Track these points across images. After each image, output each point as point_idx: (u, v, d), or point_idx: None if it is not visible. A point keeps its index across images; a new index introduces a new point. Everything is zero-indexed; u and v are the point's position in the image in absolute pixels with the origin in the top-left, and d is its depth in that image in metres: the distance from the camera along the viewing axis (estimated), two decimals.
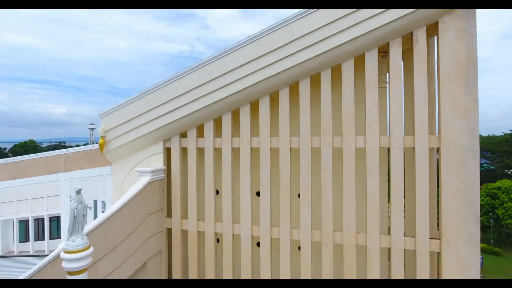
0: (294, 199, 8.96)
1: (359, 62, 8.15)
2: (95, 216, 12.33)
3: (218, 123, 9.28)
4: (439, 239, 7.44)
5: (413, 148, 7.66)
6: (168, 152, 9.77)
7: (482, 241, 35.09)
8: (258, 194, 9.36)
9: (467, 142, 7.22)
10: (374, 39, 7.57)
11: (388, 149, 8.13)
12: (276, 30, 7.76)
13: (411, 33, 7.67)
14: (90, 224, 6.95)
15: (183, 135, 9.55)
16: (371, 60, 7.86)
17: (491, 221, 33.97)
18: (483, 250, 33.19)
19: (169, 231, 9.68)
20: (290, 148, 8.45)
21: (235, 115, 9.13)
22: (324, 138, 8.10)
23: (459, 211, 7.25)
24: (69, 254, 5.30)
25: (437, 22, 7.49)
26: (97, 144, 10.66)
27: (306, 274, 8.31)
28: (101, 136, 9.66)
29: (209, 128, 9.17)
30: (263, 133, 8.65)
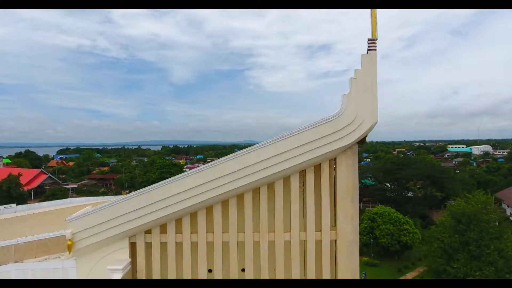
0: (240, 274, 12.08)
1: (286, 180, 12.04)
2: None
3: (179, 222, 11.74)
4: None
5: (320, 240, 11.86)
6: (132, 245, 11.64)
7: (364, 254, 43.54)
8: (210, 270, 12.07)
9: (352, 237, 11.60)
10: (297, 169, 11.57)
11: (305, 241, 12.14)
12: (230, 160, 11.16)
13: (320, 164, 11.92)
14: None
15: (148, 232, 11.66)
16: (294, 180, 11.79)
17: (371, 239, 42.72)
18: (365, 263, 41.38)
19: None
20: (238, 241, 11.84)
21: (194, 216, 11.85)
22: (262, 234, 11.76)
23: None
24: None
25: (335, 158, 11.88)
26: (51, 233, 11.72)
27: None
28: (69, 239, 10.92)
29: (171, 228, 11.62)
30: (216, 230, 11.81)
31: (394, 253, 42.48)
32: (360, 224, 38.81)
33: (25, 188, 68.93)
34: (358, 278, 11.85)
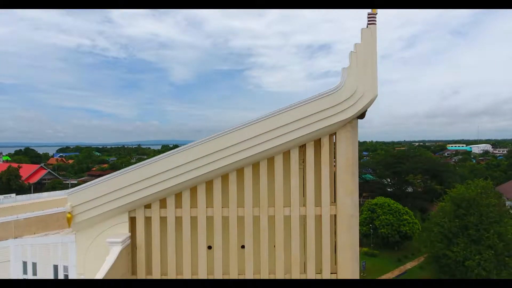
0: (239, 251, 11.91)
1: (286, 155, 12.02)
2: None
3: (178, 196, 11.68)
4: (336, 273, 11.73)
5: (320, 215, 11.84)
6: (132, 220, 11.58)
7: (364, 245, 43.64)
8: (209, 247, 12.02)
9: (352, 212, 11.61)
10: (296, 143, 11.55)
11: (304, 216, 12.11)
12: (229, 133, 11.14)
13: (320, 139, 11.90)
14: None
15: (147, 206, 11.58)
16: (294, 155, 11.77)
17: (371, 230, 42.82)
18: (365, 253, 41.51)
19: None
20: (237, 216, 11.82)
21: (193, 190, 11.80)
22: (262, 209, 11.74)
23: (347, 255, 11.57)
24: None
25: (335, 133, 11.84)
26: (49, 210, 11.55)
27: None
28: (68, 212, 10.80)
29: (171, 202, 11.57)
30: (216, 205, 11.79)
31: (394, 244, 42.56)
32: (359, 215, 38.90)
33: (25, 183, 68.98)
34: (358, 252, 11.81)
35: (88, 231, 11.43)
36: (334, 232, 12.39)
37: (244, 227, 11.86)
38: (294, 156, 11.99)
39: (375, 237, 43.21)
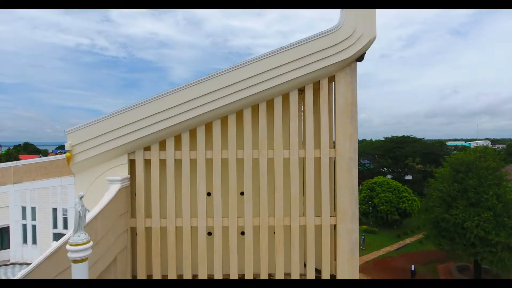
0: (239, 197, 12.05)
1: (285, 97, 12.01)
2: (55, 224, 13.14)
3: (178, 139, 11.73)
4: (335, 216, 11.78)
5: (320, 157, 11.85)
6: (132, 163, 11.65)
7: (363, 223, 43.79)
8: (208, 194, 12.01)
9: (351, 155, 11.64)
10: (295, 84, 11.49)
11: (304, 158, 12.13)
12: (227, 72, 11.08)
13: (319, 81, 11.88)
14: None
15: (147, 149, 11.63)
16: (293, 97, 11.76)
17: (370, 208, 42.84)
18: (364, 230, 41.66)
19: (132, 229, 11.57)
20: (237, 158, 11.79)
21: (193, 133, 11.91)
22: (261, 151, 11.72)
23: (347, 198, 11.62)
24: (75, 246, 6.42)
25: (334, 76, 11.80)
26: (50, 156, 11.34)
27: (248, 253, 11.56)
28: (68, 151, 10.96)
29: (170, 144, 11.61)
30: (215, 147, 11.78)
31: (393, 223, 42.61)
32: (359, 194, 38.83)
33: None
34: (357, 196, 11.82)
35: (87, 173, 11.41)
36: (333, 176, 12.43)
37: (244, 169, 11.90)
38: (294, 98, 11.95)
39: (374, 217, 43.29)
